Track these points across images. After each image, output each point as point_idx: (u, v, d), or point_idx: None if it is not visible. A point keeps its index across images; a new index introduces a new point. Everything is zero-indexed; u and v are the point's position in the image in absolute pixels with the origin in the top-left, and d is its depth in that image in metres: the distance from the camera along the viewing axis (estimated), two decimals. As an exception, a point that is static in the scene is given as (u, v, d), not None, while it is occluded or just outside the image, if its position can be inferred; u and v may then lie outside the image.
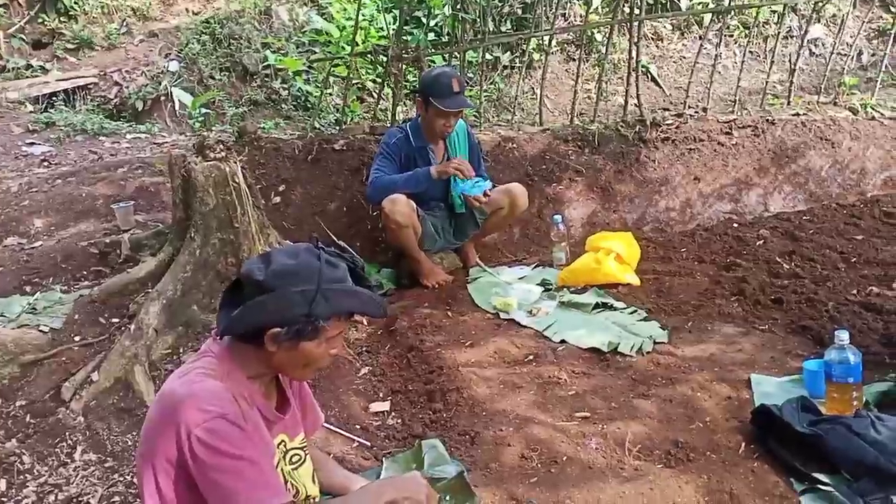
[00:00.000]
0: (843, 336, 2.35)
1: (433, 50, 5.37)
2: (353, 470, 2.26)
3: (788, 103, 5.24)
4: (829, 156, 4.92)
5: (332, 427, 2.61)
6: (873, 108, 5.13)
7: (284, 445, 1.77)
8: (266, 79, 6.36)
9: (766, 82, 5.36)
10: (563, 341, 3.10)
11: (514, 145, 4.74)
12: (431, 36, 6.07)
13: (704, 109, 5.13)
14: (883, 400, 2.43)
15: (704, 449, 2.30)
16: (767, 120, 4.95)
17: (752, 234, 4.16)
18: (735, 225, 4.39)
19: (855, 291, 3.28)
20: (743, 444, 2.30)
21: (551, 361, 2.96)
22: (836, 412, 2.32)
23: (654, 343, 2.99)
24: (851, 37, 6.10)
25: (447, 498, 2.07)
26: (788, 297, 3.27)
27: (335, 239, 3.49)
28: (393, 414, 2.76)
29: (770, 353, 2.86)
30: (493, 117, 5.65)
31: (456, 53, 4.89)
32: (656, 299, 3.43)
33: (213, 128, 5.44)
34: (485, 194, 3.65)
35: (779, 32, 5.69)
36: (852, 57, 5.96)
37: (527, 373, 2.87)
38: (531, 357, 3.00)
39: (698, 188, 4.72)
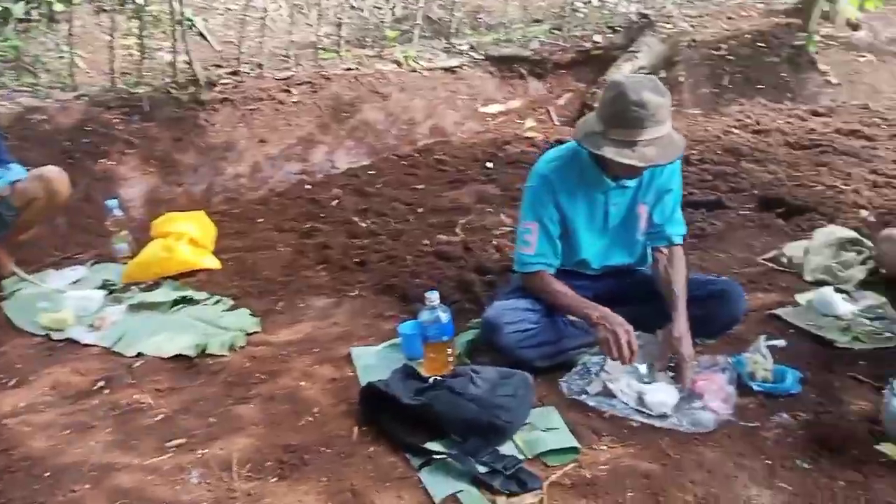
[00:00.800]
0: (432, 297, 2.36)
1: None
2: None
3: (340, 57, 5.29)
4: (381, 108, 5.11)
5: None
6: (414, 61, 5.47)
7: None
8: None
9: (317, 36, 5.32)
10: (139, 354, 2.63)
11: (44, 116, 3.92)
12: None
13: (260, 66, 4.89)
14: (471, 348, 2.55)
15: (318, 445, 2.12)
16: (323, 75, 4.93)
17: (326, 195, 4.11)
18: (308, 186, 4.30)
19: (427, 242, 3.43)
20: (356, 430, 2.18)
21: (128, 383, 2.48)
22: (434, 372, 2.34)
23: (247, 335, 2.71)
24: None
25: None
26: (371, 258, 3.27)
27: None
28: None
29: (364, 321, 2.81)
30: (11, 82, 4.60)
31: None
32: (241, 282, 3.14)
33: None
34: None
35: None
36: (390, 10, 6.28)
37: (98, 405, 2.35)
38: (101, 383, 2.47)
39: (265, 150, 4.50)
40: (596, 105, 5.18)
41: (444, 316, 2.35)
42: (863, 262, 2.91)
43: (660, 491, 1.88)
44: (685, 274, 2.42)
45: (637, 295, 2.54)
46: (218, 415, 2.28)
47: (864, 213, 3.43)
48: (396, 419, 2.15)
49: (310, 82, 4.85)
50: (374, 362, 2.50)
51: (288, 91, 4.73)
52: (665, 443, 2.07)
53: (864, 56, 6.12)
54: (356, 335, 2.70)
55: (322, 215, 3.82)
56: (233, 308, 2.90)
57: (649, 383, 2.25)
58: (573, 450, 2.05)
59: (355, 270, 3.20)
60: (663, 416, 2.15)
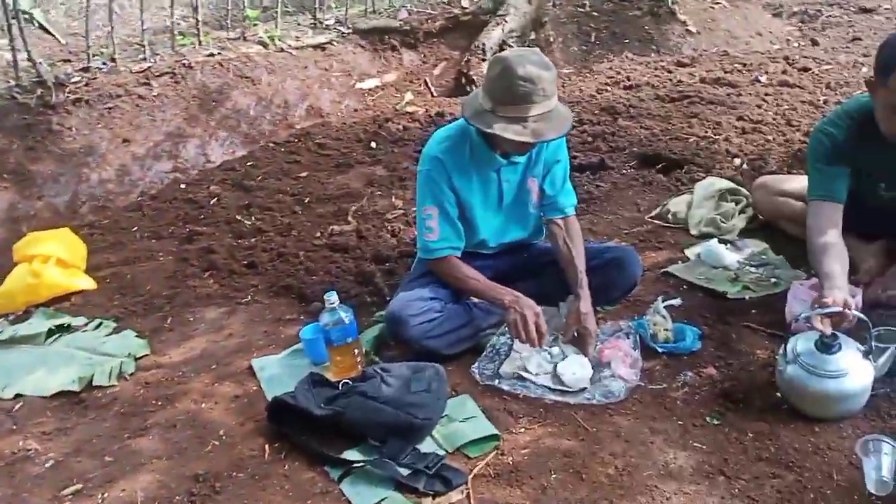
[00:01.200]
0: (332, 298, 2.27)
1: None
2: None
3: (200, 43, 4.98)
4: (252, 93, 4.86)
5: None
6: (280, 40, 5.23)
7: None
8: None
9: (172, 21, 4.97)
10: (17, 396, 2.40)
11: None
12: None
13: (113, 59, 4.52)
14: (378, 343, 2.48)
15: (229, 470, 2.01)
16: (184, 64, 4.62)
17: (203, 193, 3.88)
18: (183, 185, 4.04)
19: (318, 234, 3.31)
20: (268, 448, 2.08)
21: (10, 429, 2.26)
22: (343, 375, 2.25)
23: (136, 359, 2.52)
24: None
25: None
26: (261, 258, 3.12)
27: None
28: None
29: (261, 328, 2.68)
30: None
31: None
32: (122, 300, 2.92)
33: None
34: None
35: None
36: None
37: (-23, 461, 2.13)
38: (-23, 436, 2.24)
39: (131, 151, 4.18)
40: (470, 74, 5.30)
41: (347, 316, 2.27)
42: (741, 211, 3.04)
43: (581, 468, 1.90)
44: (582, 246, 2.44)
45: (535, 269, 2.56)
46: (114, 452, 2.11)
47: (737, 161, 3.58)
48: (309, 432, 2.06)
49: (171, 72, 4.53)
50: (278, 372, 2.39)
51: (147, 84, 4.41)
52: (581, 416, 2.10)
53: (718, 3, 6.38)
54: (255, 345, 2.57)
55: (202, 217, 3.60)
56: (116, 331, 2.69)
57: (562, 360, 2.26)
58: (493, 437, 2.04)
59: (245, 274, 3.03)
60: (577, 392, 2.17)
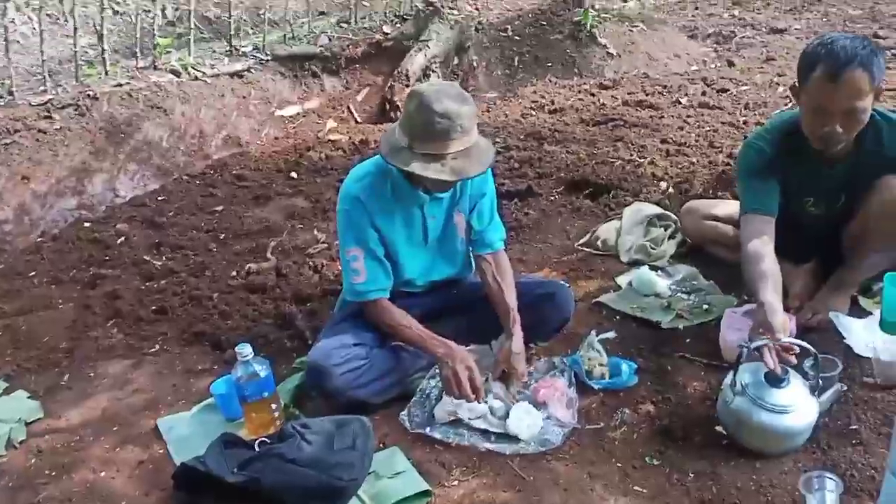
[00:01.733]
0: (244, 350, 2.09)
1: None
2: None
3: (106, 73, 4.71)
4: (165, 124, 4.61)
5: None
6: (194, 68, 5.00)
7: None
8: None
9: (75, 50, 4.70)
10: None
11: None
12: None
13: (11, 92, 4.22)
14: (297, 394, 2.31)
15: (132, 550, 1.80)
16: (89, 95, 4.34)
17: (109, 232, 3.61)
18: (87, 224, 3.76)
19: (234, 273, 3.11)
20: (175, 520, 1.88)
21: None
22: (259, 433, 2.08)
23: (27, 424, 2.27)
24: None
25: None
26: (171, 302, 2.90)
27: None
28: None
29: (171, 381, 2.47)
30: None
31: None
32: (15, 355, 2.64)
33: None
34: None
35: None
36: (159, 12, 5.70)
37: None
38: None
39: (31, 188, 3.88)
40: (394, 100, 5.20)
41: (262, 370, 2.09)
42: (671, 237, 3.00)
43: (520, 523, 1.77)
44: (513, 282, 2.34)
45: (466, 305, 2.45)
46: (-1, 537, 1.88)
47: (663, 185, 3.56)
48: (222, 501, 1.87)
49: (74, 104, 4.25)
50: (187, 432, 2.18)
51: (49, 117, 4.12)
52: (517, 464, 1.98)
53: (636, 26, 6.48)
54: (163, 401, 2.35)
55: (107, 258, 3.34)
56: (6, 392, 2.42)
57: (503, 413, 2.12)
58: (425, 493, 1.89)
59: (154, 321, 2.80)
60: (514, 440, 2.04)
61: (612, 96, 5.08)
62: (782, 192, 2.35)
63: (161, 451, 2.13)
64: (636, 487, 1.87)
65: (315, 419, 2.05)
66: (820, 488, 1.72)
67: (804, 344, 1.95)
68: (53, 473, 2.08)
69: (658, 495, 1.84)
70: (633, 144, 4.11)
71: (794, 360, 1.96)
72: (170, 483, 1.97)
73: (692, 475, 1.89)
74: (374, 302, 2.25)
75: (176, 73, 4.91)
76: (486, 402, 2.13)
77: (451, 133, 1.97)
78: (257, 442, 1.98)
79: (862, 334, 2.27)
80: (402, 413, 2.16)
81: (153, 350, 2.63)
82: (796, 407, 1.89)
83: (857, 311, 2.45)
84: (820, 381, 1.97)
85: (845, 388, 2.09)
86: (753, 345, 1.95)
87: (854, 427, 1.99)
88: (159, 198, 4.04)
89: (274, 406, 2.13)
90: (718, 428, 2.02)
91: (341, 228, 2.23)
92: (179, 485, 1.94)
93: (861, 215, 2.35)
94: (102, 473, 2.06)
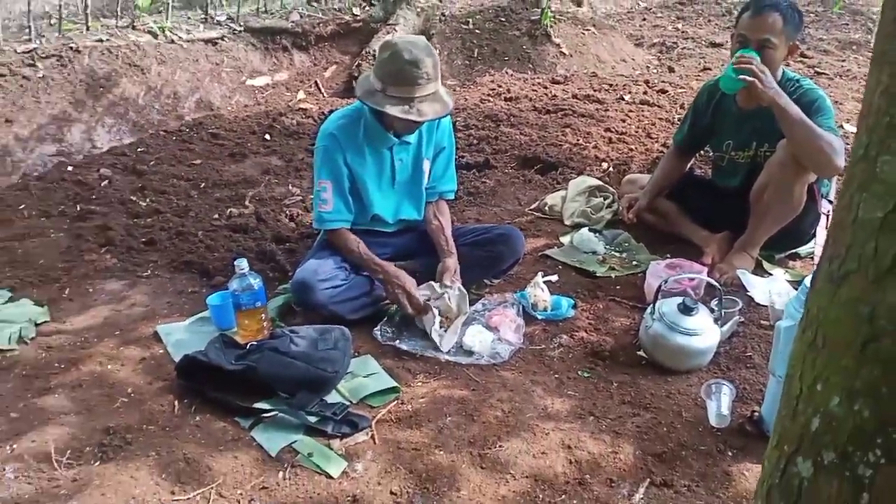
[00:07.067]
0: (242, 265, 2.41)
1: None
2: None
3: (87, 28, 4.89)
4: (141, 83, 4.83)
5: None
6: (171, 32, 5.22)
7: None
8: None
9: (60, 5, 4.86)
10: None
11: None
12: None
13: (-6, 38, 4.38)
14: (283, 310, 2.63)
15: (140, 424, 2.10)
16: (71, 48, 4.53)
17: (93, 176, 3.84)
18: (69, 168, 3.97)
19: (217, 216, 3.39)
20: (177, 404, 2.18)
21: None
22: (250, 338, 2.39)
23: (36, 325, 2.53)
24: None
25: None
26: (159, 236, 3.17)
27: None
28: None
29: (165, 299, 2.76)
30: None
31: None
32: (14, 272, 2.88)
33: None
34: None
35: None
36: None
37: None
38: None
39: (13, 131, 4.06)
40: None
41: (256, 282, 2.41)
42: (608, 206, 3.42)
43: (473, 412, 2.15)
44: (450, 223, 2.74)
45: (431, 248, 2.79)
46: (20, 409, 2.14)
47: (604, 165, 3.99)
48: (221, 387, 2.18)
49: (57, 55, 4.44)
50: (184, 337, 2.48)
51: (33, 65, 4.30)
52: (471, 372, 2.35)
53: (588, 30, 6.94)
54: (159, 314, 2.65)
55: (94, 197, 3.58)
56: (11, 300, 2.67)
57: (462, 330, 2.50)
58: (394, 389, 2.24)
59: (144, 250, 3.07)
60: (469, 353, 2.42)
61: (563, 90, 5.51)
62: (711, 133, 3.03)
63: (161, 352, 2.43)
64: (569, 392, 2.27)
65: (301, 327, 2.38)
66: (717, 392, 2.15)
67: (713, 281, 2.39)
68: (63, 366, 2.35)
69: (587, 398, 2.24)
70: (579, 131, 4.53)
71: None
72: (171, 375, 2.28)
73: (616, 384, 2.30)
74: (335, 230, 2.59)
75: (153, 34, 5.11)
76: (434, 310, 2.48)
77: (418, 79, 2.33)
78: (248, 345, 2.30)
79: (763, 288, 2.73)
80: (375, 329, 2.51)
81: (146, 274, 2.91)
82: (703, 331, 2.32)
83: (761, 273, 2.91)
84: (723, 314, 2.41)
85: (742, 319, 2.54)
86: (672, 278, 2.38)
87: (749, 354, 2.44)
88: (139, 149, 4.26)
89: (264, 316, 2.45)
90: (640, 353, 2.44)
91: (317, 162, 2.58)
92: (182, 373, 2.24)
93: (762, 176, 2.81)
94: (109, 366, 2.35)
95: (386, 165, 2.63)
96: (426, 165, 2.70)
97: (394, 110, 2.35)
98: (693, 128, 3.10)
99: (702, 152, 3.49)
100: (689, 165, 3.31)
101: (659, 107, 5.05)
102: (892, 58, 0.82)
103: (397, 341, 2.47)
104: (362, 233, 2.66)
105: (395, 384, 2.26)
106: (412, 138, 2.62)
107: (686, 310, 2.34)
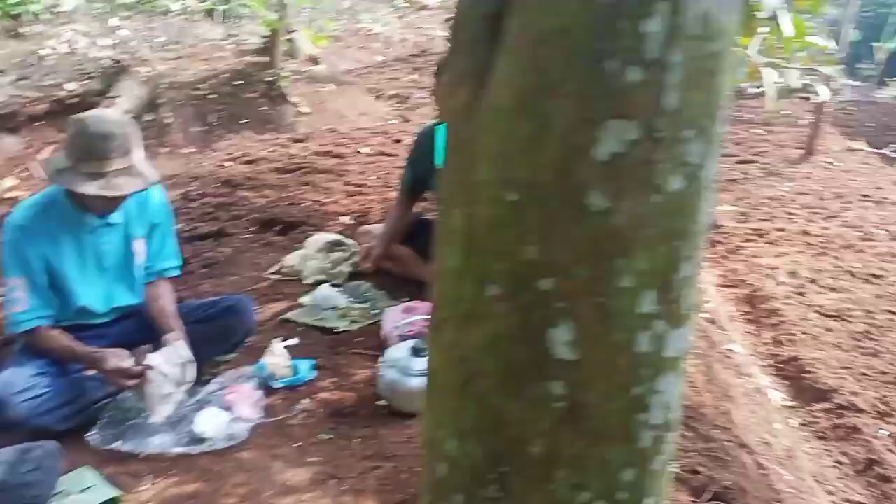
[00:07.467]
0: None
1: None
2: None
3: None
4: None
5: None
6: None
7: None
8: None
9: None
10: None
11: None
12: None
13: None
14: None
15: None
16: None
17: None
18: None
19: None
20: None
21: None
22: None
23: None
24: None
25: None
26: None
27: None
28: None
29: None
30: None
31: None
32: None
33: None
34: None
35: None
36: None
37: None
38: None
39: None
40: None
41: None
42: (347, 259, 3.42)
43: (206, 505, 1.99)
44: (174, 303, 2.56)
45: (153, 334, 2.59)
46: None
47: (344, 218, 4.01)
48: None
49: None
50: None
51: None
52: (204, 462, 2.18)
53: (326, 86, 7.06)
54: None
55: None
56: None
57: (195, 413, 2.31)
58: (114, 501, 2.01)
59: None
60: (200, 441, 2.24)
61: (304, 147, 5.50)
62: (433, 175, 3.03)
63: None
64: (311, 459, 2.18)
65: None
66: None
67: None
68: None
69: (329, 461, 2.17)
70: (320, 188, 4.53)
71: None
72: None
73: (359, 439, 2.26)
74: (32, 331, 2.31)
75: None
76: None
77: (110, 153, 2.15)
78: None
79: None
80: (89, 434, 2.25)
81: None
82: (434, 371, 2.36)
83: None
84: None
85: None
86: (402, 322, 2.41)
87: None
88: None
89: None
90: (380, 402, 2.43)
91: (4, 259, 2.29)
92: None
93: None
94: None
95: (88, 251, 2.40)
96: (138, 246, 2.51)
97: (86, 188, 2.16)
98: (415, 172, 3.20)
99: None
100: (418, 209, 3.41)
101: (395, 156, 5.21)
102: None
103: (119, 442, 2.23)
104: (71, 329, 2.40)
105: (114, 494, 2.02)
106: (118, 218, 2.42)
107: (417, 352, 2.36)
